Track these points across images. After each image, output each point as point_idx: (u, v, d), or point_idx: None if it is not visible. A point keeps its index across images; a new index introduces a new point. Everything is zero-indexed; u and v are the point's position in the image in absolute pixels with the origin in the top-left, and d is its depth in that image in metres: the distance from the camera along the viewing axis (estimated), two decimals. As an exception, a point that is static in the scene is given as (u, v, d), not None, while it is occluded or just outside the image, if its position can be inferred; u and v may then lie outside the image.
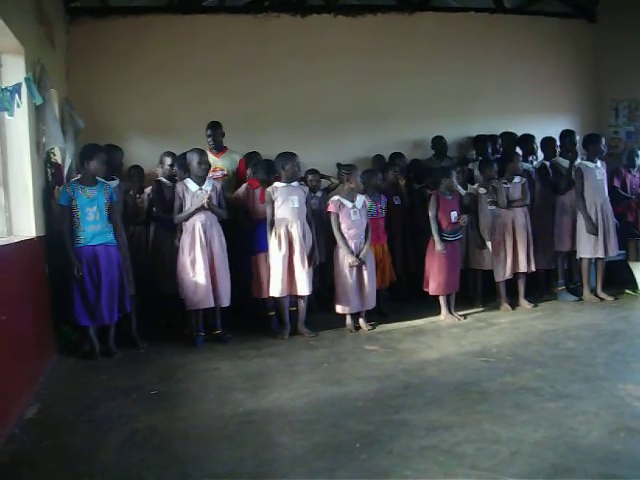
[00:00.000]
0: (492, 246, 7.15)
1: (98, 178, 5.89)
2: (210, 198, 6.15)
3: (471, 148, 8.83)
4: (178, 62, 8.12)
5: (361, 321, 6.64)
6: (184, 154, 6.44)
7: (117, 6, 8.33)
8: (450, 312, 6.90)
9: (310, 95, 8.45)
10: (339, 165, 7.01)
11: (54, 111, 6.24)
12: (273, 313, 6.66)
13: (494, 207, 7.14)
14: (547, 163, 7.71)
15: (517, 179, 7.20)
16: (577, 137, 7.68)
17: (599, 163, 7.34)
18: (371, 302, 6.62)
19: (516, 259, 7.13)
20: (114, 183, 6.25)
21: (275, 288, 6.33)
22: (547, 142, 7.91)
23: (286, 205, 6.32)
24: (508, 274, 7.15)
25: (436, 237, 6.72)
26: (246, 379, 5.10)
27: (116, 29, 8.00)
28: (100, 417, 4.38)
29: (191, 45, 8.20)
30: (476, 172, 7.73)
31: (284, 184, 6.39)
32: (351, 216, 6.50)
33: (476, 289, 7.49)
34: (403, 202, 7.49)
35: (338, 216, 6.50)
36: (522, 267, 7.14)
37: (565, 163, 7.43)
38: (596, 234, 7.16)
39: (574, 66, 9.46)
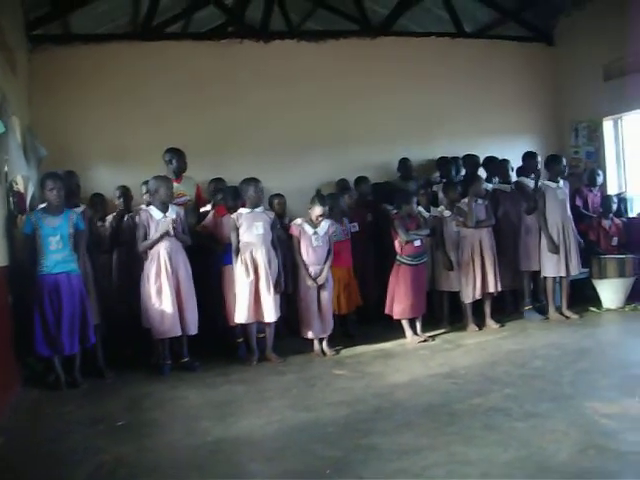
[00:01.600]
0: (460, 267, 7.19)
1: (65, 207, 5.84)
2: (174, 224, 6.11)
3: (434, 170, 8.90)
4: (141, 89, 8.08)
5: (324, 346, 6.61)
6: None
7: (79, 33, 8.30)
8: (416, 334, 6.92)
9: (274, 120, 8.44)
10: (318, 191, 6.94)
11: (16, 139, 6.18)
12: (241, 340, 6.61)
13: (459, 228, 7.20)
14: (501, 187, 7.92)
15: (480, 200, 7.28)
16: (539, 158, 7.79)
17: (561, 183, 7.45)
18: (329, 327, 6.61)
19: (485, 279, 7.18)
20: (79, 209, 6.19)
21: (241, 315, 6.29)
22: (500, 165, 8.06)
23: (250, 231, 6.31)
24: (478, 294, 7.20)
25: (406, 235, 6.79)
26: (214, 407, 5.05)
27: (78, 56, 7.94)
28: (66, 450, 4.28)
29: (154, 72, 8.16)
30: (440, 194, 7.79)
31: (248, 210, 6.38)
32: (312, 242, 6.50)
33: (442, 310, 7.51)
34: (360, 227, 7.51)
35: (299, 240, 6.51)
36: (491, 287, 7.20)
37: (530, 183, 7.53)
38: (557, 253, 7.26)
39: (534, 88, 9.58)
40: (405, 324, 6.92)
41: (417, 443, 4.00)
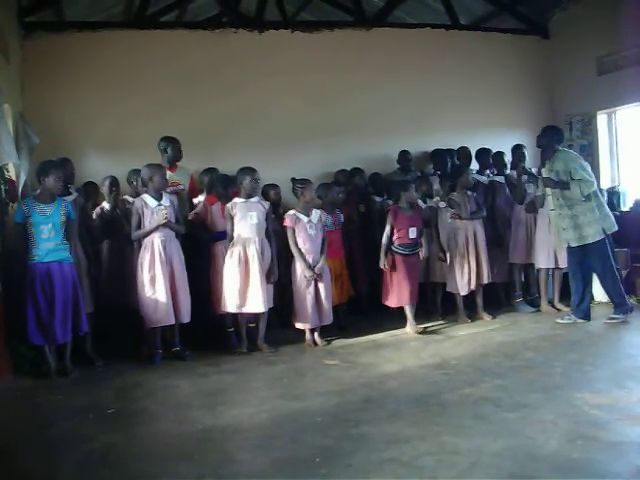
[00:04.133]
0: (454, 259, 7.18)
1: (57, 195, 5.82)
2: (167, 214, 6.09)
3: (429, 162, 8.90)
4: (134, 77, 8.05)
5: (316, 337, 6.60)
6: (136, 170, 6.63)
7: (73, 21, 8.25)
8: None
9: (269, 110, 8.42)
10: (293, 180, 6.91)
11: (7, 127, 6.17)
12: (232, 329, 6.60)
13: (452, 220, 7.19)
14: (497, 179, 7.90)
15: (469, 192, 7.30)
16: (525, 150, 7.85)
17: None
18: (328, 317, 6.60)
19: (478, 271, 7.18)
20: (71, 197, 6.18)
21: (231, 304, 6.29)
22: (495, 157, 8.05)
23: (245, 221, 6.29)
24: (472, 286, 7.19)
25: (382, 254, 6.80)
26: (205, 396, 5.05)
27: (72, 44, 7.89)
28: (56, 438, 4.29)
29: (148, 60, 8.12)
30: (436, 186, 7.79)
31: (243, 200, 6.36)
32: (307, 230, 6.49)
33: (435, 302, 7.52)
34: (352, 218, 7.54)
35: (294, 230, 6.49)
36: (483, 279, 7.20)
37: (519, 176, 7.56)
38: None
39: (528, 81, 9.58)
40: (408, 311, 6.88)
41: (407, 433, 4.01)
